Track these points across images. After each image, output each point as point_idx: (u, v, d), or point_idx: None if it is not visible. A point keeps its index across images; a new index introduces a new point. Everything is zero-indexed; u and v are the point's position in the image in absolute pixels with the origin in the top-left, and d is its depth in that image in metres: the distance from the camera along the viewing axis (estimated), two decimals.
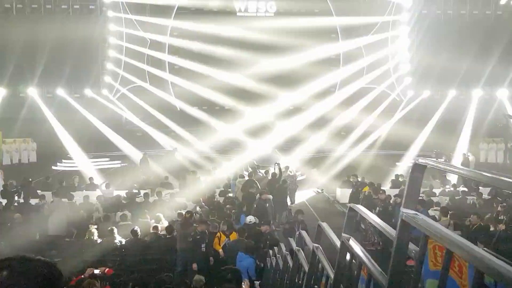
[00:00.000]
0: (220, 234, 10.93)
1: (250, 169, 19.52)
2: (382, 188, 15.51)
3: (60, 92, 28.61)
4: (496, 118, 28.26)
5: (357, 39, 31.19)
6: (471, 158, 22.33)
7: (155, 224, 11.77)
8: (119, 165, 25.32)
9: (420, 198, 11.38)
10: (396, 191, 14.84)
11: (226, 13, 31.50)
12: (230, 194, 16.29)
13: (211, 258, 10.33)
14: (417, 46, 30.33)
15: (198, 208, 13.53)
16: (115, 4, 29.92)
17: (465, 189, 15.66)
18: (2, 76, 27.76)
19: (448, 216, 11.84)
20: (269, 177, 16.78)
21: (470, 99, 29.72)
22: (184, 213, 11.99)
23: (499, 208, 12.45)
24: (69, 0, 29.45)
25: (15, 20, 28.51)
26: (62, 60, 27.49)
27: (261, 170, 18.54)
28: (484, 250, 1.79)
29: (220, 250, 10.57)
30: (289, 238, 7.32)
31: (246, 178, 17.09)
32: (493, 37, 28.77)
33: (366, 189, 15.31)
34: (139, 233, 10.71)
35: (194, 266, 9.86)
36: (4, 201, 14.09)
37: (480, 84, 29.38)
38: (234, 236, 10.79)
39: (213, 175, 18.32)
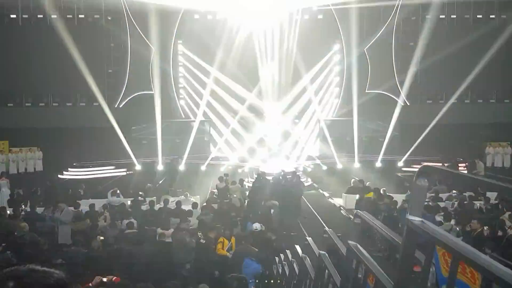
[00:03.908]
0: (223, 239, 10.96)
1: (255, 176, 19.55)
2: (387, 193, 15.46)
3: (67, 100, 28.81)
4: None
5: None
6: (478, 163, 22.18)
7: (161, 231, 11.80)
8: (124, 173, 25.41)
9: (426, 203, 11.33)
10: (402, 196, 14.78)
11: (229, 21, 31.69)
12: (235, 195, 16.27)
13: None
14: (422, 50, 30.28)
15: (202, 216, 13.52)
16: (120, 13, 30.14)
17: (472, 194, 15.55)
18: (10, 85, 28.01)
19: (452, 221, 11.77)
20: (276, 184, 16.76)
21: (475, 104, 29.68)
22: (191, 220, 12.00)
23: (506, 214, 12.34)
24: (74, 10, 29.66)
25: (21, 30, 28.74)
26: (67, 69, 27.68)
27: (267, 177, 18.53)
28: (492, 256, 1.78)
29: (228, 254, 10.57)
30: (296, 245, 7.30)
31: (250, 184, 17.09)
32: (500, 42, 28.63)
33: (371, 194, 15.25)
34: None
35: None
36: (10, 210, 14.16)
37: (487, 89, 29.34)
38: (233, 240, 10.85)
39: (219, 182, 18.28)
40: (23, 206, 14.53)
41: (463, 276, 1.78)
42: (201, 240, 10.84)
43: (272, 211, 14.27)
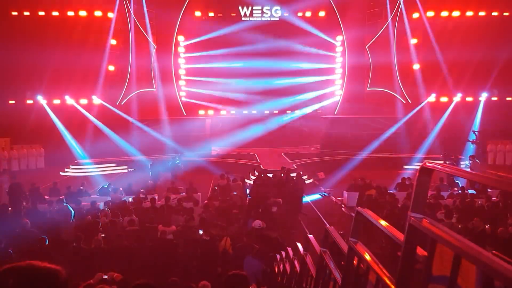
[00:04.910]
0: (226, 238, 10.98)
1: (256, 173, 19.55)
2: (389, 191, 15.45)
3: (67, 98, 28.87)
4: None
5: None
6: (474, 161, 22.09)
7: (163, 228, 11.80)
8: (126, 170, 25.44)
9: (427, 201, 11.33)
10: (403, 194, 14.77)
11: (231, 18, 31.72)
12: (236, 192, 16.28)
13: None
14: (425, 49, 30.21)
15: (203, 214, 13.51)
16: (121, 10, 30.17)
17: (474, 191, 15.54)
18: (12, 82, 28.03)
19: (453, 219, 11.77)
20: (277, 181, 16.75)
21: (478, 101, 29.63)
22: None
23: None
24: (75, 7, 29.64)
25: (22, 27, 28.73)
26: (69, 67, 27.69)
27: (268, 174, 18.54)
28: (493, 253, 1.77)
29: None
30: (297, 243, 7.30)
31: (251, 181, 17.07)
32: (501, 38, 28.53)
33: (373, 192, 15.24)
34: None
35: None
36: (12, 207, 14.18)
37: (488, 86, 29.29)
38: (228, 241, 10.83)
39: (220, 179, 18.27)
40: (24, 203, 14.55)
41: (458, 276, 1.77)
42: (204, 237, 10.84)
43: (275, 208, 14.25)
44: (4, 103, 28.95)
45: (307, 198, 18.15)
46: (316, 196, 19.38)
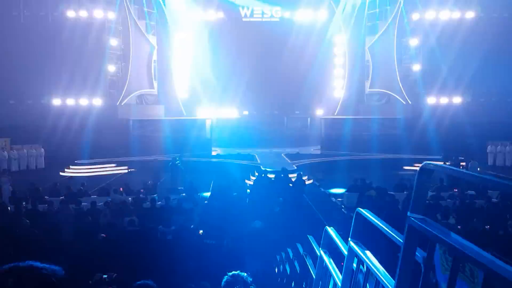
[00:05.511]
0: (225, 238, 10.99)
1: (257, 173, 19.55)
2: (389, 192, 15.43)
3: (67, 98, 28.85)
4: None
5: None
6: (472, 163, 22.04)
7: (163, 229, 11.81)
8: (126, 171, 25.41)
9: (427, 202, 11.33)
10: (403, 195, 14.77)
11: (232, 18, 31.74)
12: (235, 193, 16.27)
13: None
14: (425, 50, 30.20)
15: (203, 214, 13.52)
16: (122, 11, 30.17)
17: (473, 192, 15.53)
18: (13, 82, 28.02)
19: (453, 220, 11.77)
20: (277, 181, 16.75)
21: (477, 102, 29.60)
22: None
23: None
24: (76, 8, 29.64)
25: (23, 28, 28.74)
26: (69, 67, 27.70)
27: (269, 175, 18.53)
28: (493, 254, 1.77)
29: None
30: (297, 244, 7.29)
31: (251, 182, 17.07)
32: (502, 40, 28.51)
33: (373, 192, 15.23)
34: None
35: None
36: (12, 207, 14.16)
37: (488, 88, 29.27)
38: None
39: (220, 179, 18.26)
40: (24, 203, 14.53)
41: (462, 274, 1.77)
42: (208, 242, 10.85)
43: (276, 209, 14.25)
44: (4, 103, 28.95)
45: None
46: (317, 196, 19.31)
